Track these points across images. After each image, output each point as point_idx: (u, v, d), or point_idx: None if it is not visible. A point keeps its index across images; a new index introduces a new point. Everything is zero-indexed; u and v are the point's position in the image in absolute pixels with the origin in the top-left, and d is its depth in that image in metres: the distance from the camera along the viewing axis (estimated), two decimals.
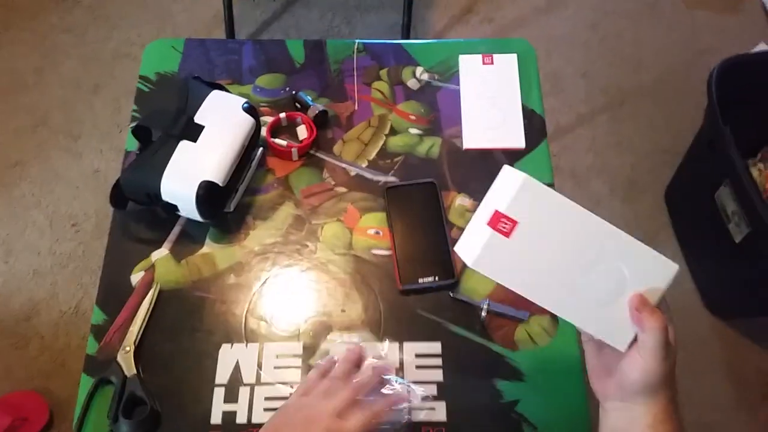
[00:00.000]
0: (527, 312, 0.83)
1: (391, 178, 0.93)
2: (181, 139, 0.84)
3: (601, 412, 0.63)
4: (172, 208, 0.85)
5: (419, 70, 1.03)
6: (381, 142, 0.96)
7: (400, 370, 0.80)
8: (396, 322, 0.83)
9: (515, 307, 0.83)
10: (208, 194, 0.82)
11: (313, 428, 0.66)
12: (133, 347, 0.79)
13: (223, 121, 0.87)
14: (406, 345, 0.82)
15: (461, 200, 0.92)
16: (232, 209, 0.90)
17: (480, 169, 0.94)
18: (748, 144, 1.63)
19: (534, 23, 2.14)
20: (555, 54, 2.07)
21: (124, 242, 0.88)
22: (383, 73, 1.02)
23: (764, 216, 1.29)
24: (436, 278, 0.84)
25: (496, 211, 0.56)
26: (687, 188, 1.74)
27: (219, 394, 0.78)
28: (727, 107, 1.39)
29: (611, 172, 1.89)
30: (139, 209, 0.87)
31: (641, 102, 2.00)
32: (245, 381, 0.79)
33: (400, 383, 0.77)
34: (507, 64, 1.03)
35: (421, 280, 0.84)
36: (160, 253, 0.87)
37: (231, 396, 0.78)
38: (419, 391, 0.78)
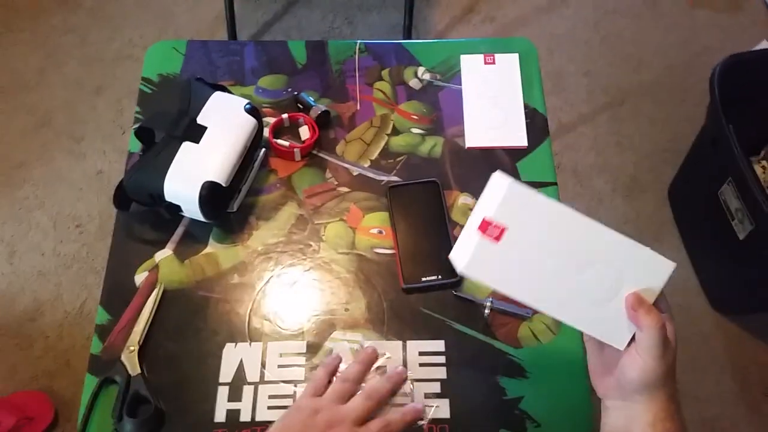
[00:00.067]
0: (530, 310, 0.83)
1: (393, 178, 0.94)
2: (184, 140, 0.84)
3: (603, 410, 0.63)
4: (176, 209, 0.85)
5: (421, 70, 1.03)
6: (383, 142, 0.97)
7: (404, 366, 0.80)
8: (399, 320, 0.84)
9: (518, 305, 0.83)
10: (211, 195, 0.82)
11: None
12: (137, 347, 0.80)
13: (226, 122, 0.87)
14: (410, 343, 0.82)
15: (464, 199, 0.92)
16: (235, 209, 0.90)
17: (482, 168, 0.95)
18: (751, 141, 1.63)
19: (535, 22, 2.14)
20: (557, 53, 2.07)
21: (128, 243, 0.89)
22: (385, 73, 1.03)
23: None
24: (439, 276, 0.85)
25: (484, 218, 0.57)
26: (690, 186, 1.74)
27: (223, 392, 0.79)
28: (730, 105, 1.39)
29: (613, 170, 1.89)
30: (142, 210, 0.88)
31: (643, 100, 2.00)
32: (249, 380, 0.80)
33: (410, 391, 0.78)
34: (509, 63, 1.03)
35: (424, 279, 0.85)
36: (164, 254, 0.88)
37: (235, 395, 0.79)
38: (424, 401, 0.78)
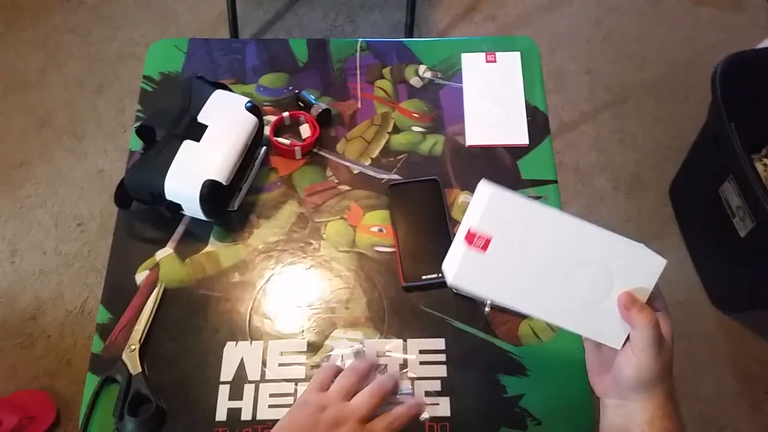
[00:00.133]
0: None
1: (394, 176, 0.94)
2: (185, 138, 0.84)
3: (601, 409, 0.63)
4: (176, 208, 0.85)
5: (422, 68, 1.03)
6: (384, 140, 0.97)
7: (404, 365, 0.80)
8: (400, 318, 0.84)
9: None
10: (212, 193, 0.82)
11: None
12: (138, 346, 0.80)
13: (227, 120, 0.87)
14: (410, 341, 0.82)
15: (464, 197, 0.92)
16: (235, 208, 0.90)
17: (483, 166, 0.94)
18: (753, 139, 1.62)
19: (537, 21, 2.13)
20: (558, 51, 2.07)
21: (129, 242, 0.89)
22: (386, 71, 1.03)
23: None
24: (440, 275, 0.84)
25: (469, 229, 0.57)
26: (691, 184, 1.74)
27: (224, 391, 0.79)
28: (732, 103, 1.39)
29: (615, 168, 1.89)
30: (143, 209, 0.88)
31: (645, 98, 2.00)
32: (250, 378, 0.80)
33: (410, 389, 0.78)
34: (510, 61, 1.03)
35: (424, 277, 0.85)
36: (165, 252, 0.88)
37: (236, 393, 0.79)
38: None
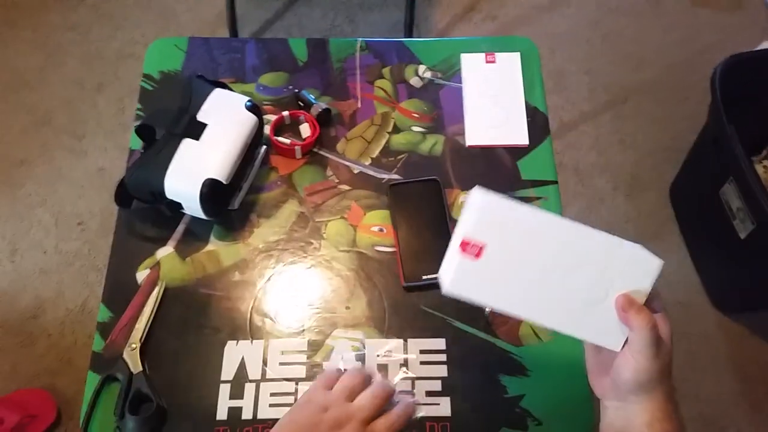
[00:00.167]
0: None
1: (394, 176, 0.94)
2: (185, 137, 0.84)
3: (602, 410, 0.64)
4: (177, 206, 0.85)
5: (422, 68, 1.03)
6: (384, 140, 0.97)
7: (405, 365, 0.81)
8: (400, 318, 0.84)
9: None
10: (212, 192, 0.82)
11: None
12: (139, 344, 0.80)
13: (226, 119, 0.87)
14: (411, 341, 0.82)
15: (464, 198, 0.92)
16: (236, 207, 0.90)
17: (483, 166, 0.95)
18: (753, 141, 1.63)
19: (537, 21, 2.13)
20: (558, 51, 2.07)
21: (130, 240, 0.89)
22: (386, 71, 1.03)
23: None
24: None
25: (463, 237, 0.57)
26: (691, 185, 1.74)
27: (225, 390, 0.79)
28: (732, 105, 1.39)
29: (615, 169, 1.89)
30: (144, 207, 0.88)
31: (644, 99, 2.00)
32: (251, 377, 0.80)
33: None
34: (510, 62, 1.03)
35: (424, 277, 0.85)
36: (165, 251, 0.88)
37: (237, 392, 0.79)
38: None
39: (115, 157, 1.87)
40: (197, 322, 0.83)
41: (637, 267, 0.59)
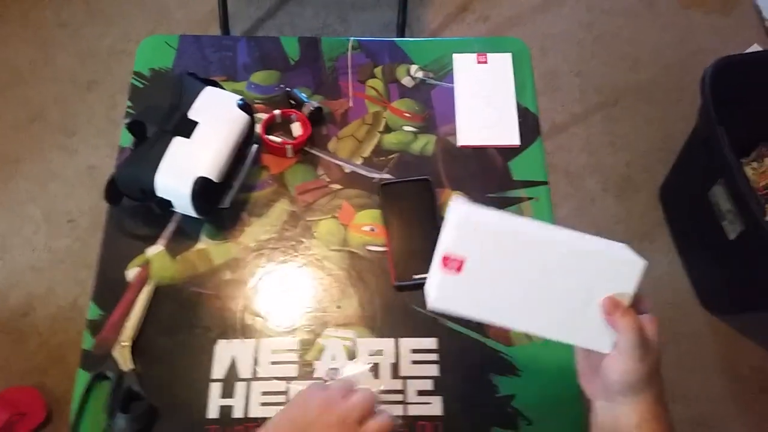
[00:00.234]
0: None
1: (385, 175, 0.94)
2: (175, 135, 0.84)
3: (592, 411, 0.64)
4: (167, 204, 0.85)
5: (414, 68, 1.03)
6: (376, 140, 0.97)
7: (396, 365, 0.81)
8: (391, 318, 0.84)
9: None
10: (203, 190, 0.82)
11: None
12: (129, 342, 0.80)
13: (217, 117, 0.87)
14: (402, 341, 0.82)
15: (455, 197, 0.92)
16: (227, 205, 0.90)
17: (474, 166, 0.95)
18: (742, 143, 1.64)
19: (529, 22, 2.14)
20: (550, 52, 2.08)
21: (120, 238, 0.89)
22: (378, 70, 1.03)
23: (758, 214, 1.30)
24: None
25: (443, 252, 0.57)
26: (681, 186, 1.75)
27: (215, 389, 0.79)
28: (722, 106, 1.40)
29: (606, 170, 1.89)
30: (134, 205, 0.88)
31: (636, 101, 2.00)
32: (241, 376, 0.80)
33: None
34: (501, 62, 1.03)
35: (415, 276, 0.85)
36: (156, 249, 0.88)
37: (227, 391, 0.79)
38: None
39: (105, 155, 1.86)
40: (188, 320, 0.83)
41: (621, 269, 0.59)
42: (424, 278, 0.84)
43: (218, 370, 0.80)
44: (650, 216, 1.82)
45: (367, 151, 0.96)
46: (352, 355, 0.81)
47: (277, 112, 0.96)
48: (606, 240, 0.60)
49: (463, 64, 1.03)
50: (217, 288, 0.85)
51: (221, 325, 0.83)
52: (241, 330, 0.83)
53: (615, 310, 0.58)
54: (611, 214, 1.83)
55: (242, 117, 0.88)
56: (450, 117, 0.99)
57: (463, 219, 0.56)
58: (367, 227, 0.90)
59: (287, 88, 1.00)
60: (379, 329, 0.83)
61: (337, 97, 1.00)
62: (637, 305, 0.60)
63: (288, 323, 0.83)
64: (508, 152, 0.96)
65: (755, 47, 2.03)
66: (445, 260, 0.57)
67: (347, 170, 0.94)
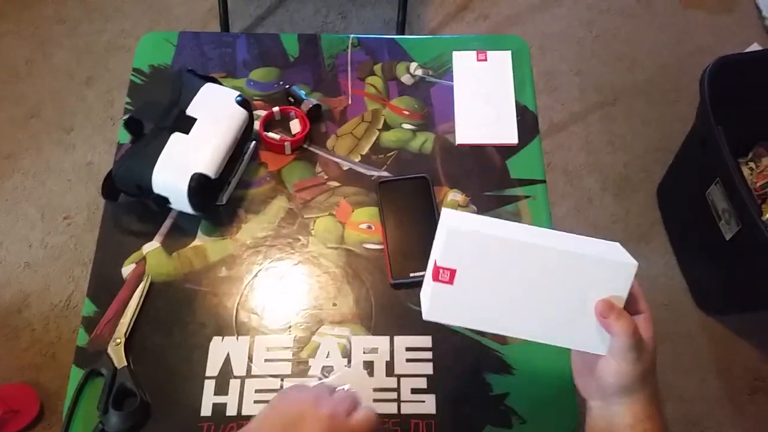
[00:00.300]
0: None
1: (383, 173, 0.94)
2: (174, 131, 0.84)
3: (587, 410, 0.64)
4: (164, 201, 0.85)
5: (413, 65, 1.03)
6: (374, 137, 0.97)
7: (391, 363, 0.81)
8: (387, 315, 0.84)
9: None
10: (200, 187, 0.82)
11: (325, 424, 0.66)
12: (123, 339, 0.80)
13: (216, 113, 0.87)
14: (397, 338, 0.82)
15: (453, 195, 0.92)
16: (224, 202, 0.90)
17: (472, 164, 0.95)
18: (740, 143, 1.64)
19: (529, 20, 2.14)
20: (549, 51, 2.08)
21: (116, 235, 0.88)
22: (377, 68, 1.03)
23: (754, 214, 1.30)
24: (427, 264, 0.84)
25: (435, 263, 0.58)
26: (679, 186, 1.75)
27: (209, 386, 0.79)
28: (720, 106, 1.39)
29: (604, 169, 1.89)
30: (130, 201, 0.87)
31: (634, 100, 2.00)
32: (236, 373, 0.79)
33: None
34: (501, 60, 1.03)
35: (412, 274, 0.85)
36: (152, 246, 0.87)
37: (221, 388, 0.79)
38: None
39: (103, 151, 1.86)
40: (183, 317, 0.83)
41: (613, 271, 0.59)
42: (421, 276, 0.84)
43: (212, 367, 0.80)
44: (648, 216, 1.82)
45: (366, 148, 0.96)
46: (346, 353, 0.81)
47: (275, 109, 0.96)
48: (598, 240, 0.60)
49: (462, 61, 1.03)
50: (213, 285, 0.85)
51: (216, 322, 0.83)
52: (236, 327, 0.82)
53: (609, 313, 0.58)
54: (609, 214, 1.82)
55: (241, 114, 0.88)
56: (449, 115, 0.98)
57: (452, 231, 0.56)
58: (364, 225, 0.90)
59: (286, 85, 0.99)
60: (374, 327, 0.83)
61: (336, 95, 1.00)
62: (632, 305, 0.59)
63: (283, 321, 0.83)
64: (506, 150, 0.96)
65: (755, 46, 2.03)
66: (437, 272, 0.57)
67: (345, 168, 0.94)
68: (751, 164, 1.65)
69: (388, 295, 0.85)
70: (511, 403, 0.79)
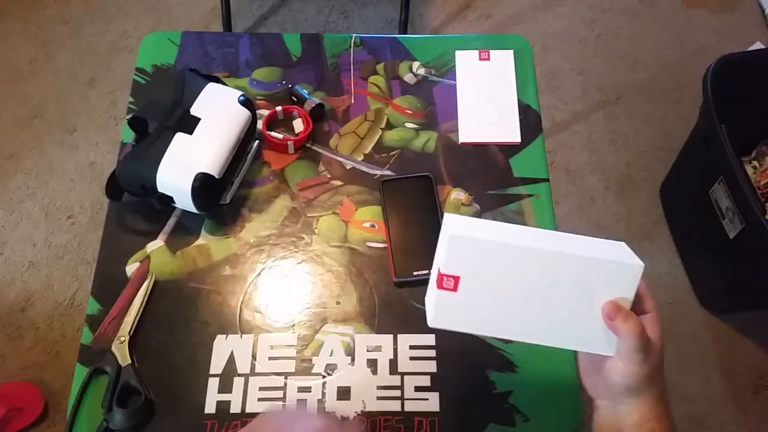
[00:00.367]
0: None
1: (386, 172, 0.94)
2: (177, 131, 0.84)
3: (594, 409, 0.64)
4: (168, 200, 0.85)
5: (416, 64, 1.03)
6: (377, 136, 0.97)
7: (394, 361, 0.81)
8: (390, 314, 0.84)
9: None
10: (204, 186, 0.82)
11: None
12: (128, 337, 0.80)
13: (219, 113, 0.87)
14: (400, 337, 0.82)
15: (456, 194, 0.92)
16: (227, 201, 0.90)
17: (475, 163, 0.95)
18: (743, 141, 1.63)
19: (531, 20, 2.14)
20: (552, 50, 2.07)
21: (120, 234, 0.89)
22: (380, 67, 1.03)
23: (758, 212, 1.30)
24: (431, 271, 0.85)
25: (438, 270, 0.57)
26: (682, 185, 1.75)
27: (213, 384, 0.79)
28: (723, 105, 1.39)
29: (606, 168, 1.89)
30: (134, 201, 0.88)
31: (637, 99, 2.00)
32: (239, 371, 0.80)
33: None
34: (503, 60, 1.03)
35: (415, 273, 0.85)
36: (156, 245, 0.88)
37: (225, 386, 0.79)
38: None
39: (106, 151, 1.86)
40: (187, 315, 0.83)
41: (619, 273, 0.58)
42: (424, 274, 0.85)
43: (216, 365, 0.80)
44: (651, 215, 1.82)
45: (369, 147, 0.96)
46: (350, 351, 0.81)
47: (278, 108, 0.96)
48: (603, 240, 0.60)
49: (465, 60, 1.03)
50: (217, 283, 0.85)
51: (220, 321, 0.83)
52: (239, 325, 0.83)
53: (616, 314, 0.57)
54: (612, 213, 1.82)
55: (244, 113, 0.88)
56: (452, 114, 0.99)
57: (455, 237, 0.56)
58: (367, 223, 0.90)
59: (289, 85, 1.00)
60: (377, 325, 0.83)
61: (339, 94, 1.00)
62: (639, 305, 0.59)
63: (287, 319, 0.83)
64: (509, 149, 0.96)
65: (758, 45, 2.03)
66: (440, 279, 0.57)
67: (348, 167, 0.94)
68: (755, 163, 1.64)
69: (392, 293, 0.85)
70: (514, 401, 0.79)
